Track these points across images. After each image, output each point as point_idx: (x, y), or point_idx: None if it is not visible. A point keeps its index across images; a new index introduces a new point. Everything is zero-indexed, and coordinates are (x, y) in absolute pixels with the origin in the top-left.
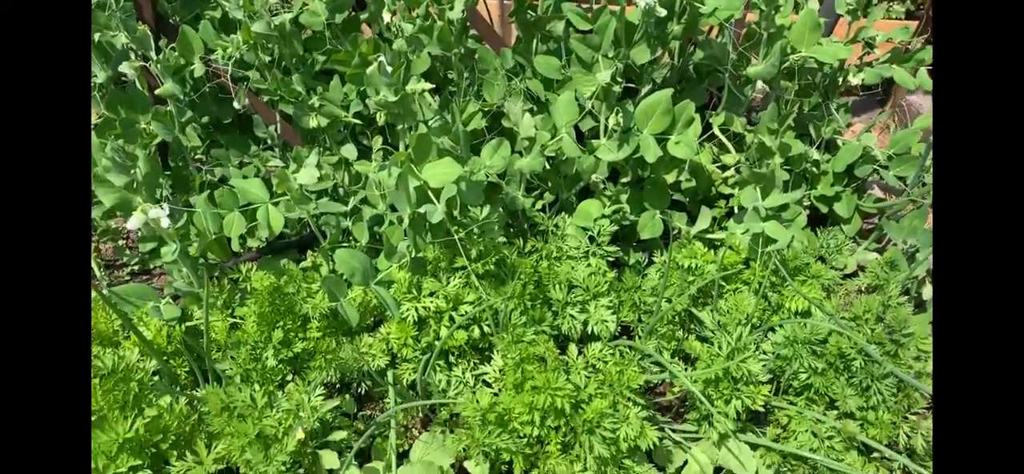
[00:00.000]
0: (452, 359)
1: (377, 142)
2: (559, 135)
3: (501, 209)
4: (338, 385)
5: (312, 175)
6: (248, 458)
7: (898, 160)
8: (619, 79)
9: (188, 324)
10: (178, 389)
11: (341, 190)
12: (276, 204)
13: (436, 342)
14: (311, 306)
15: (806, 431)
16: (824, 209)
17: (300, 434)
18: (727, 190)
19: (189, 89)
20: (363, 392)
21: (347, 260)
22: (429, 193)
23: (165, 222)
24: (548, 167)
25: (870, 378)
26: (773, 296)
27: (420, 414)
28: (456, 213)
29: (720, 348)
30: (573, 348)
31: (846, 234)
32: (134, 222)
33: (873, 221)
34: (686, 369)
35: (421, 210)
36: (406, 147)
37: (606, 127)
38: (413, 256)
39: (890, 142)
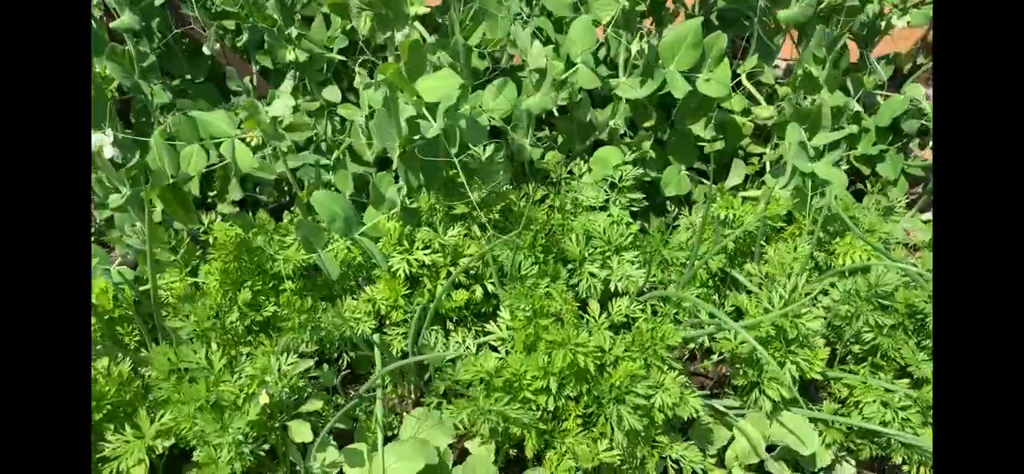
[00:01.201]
0: (450, 326)
1: (363, 77)
2: (574, 67)
3: (506, 157)
4: (316, 359)
5: (286, 105)
6: (200, 428)
7: None
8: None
9: (143, 289)
10: (122, 356)
11: (323, 143)
12: (245, 142)
13: (431, 304)
14: (284, 259)
15: (874, 401)
16: (866, 170)
17: (264, 398)
18: (758, 149)
19: (157, 43)
20: (346, 367)
21: (327, 204)
22: (425, 116)
23: (108, 151)
24: (558, 114)
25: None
26: (820, 256)
27: (412, 393)
28: (455, 151)
29: (770, 303)
30: (594, 305)
31: (891, 199)
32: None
33: (917, 190)
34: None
35: (416, 138)
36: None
37: (627, 63)
38: (404, 201)
39: None
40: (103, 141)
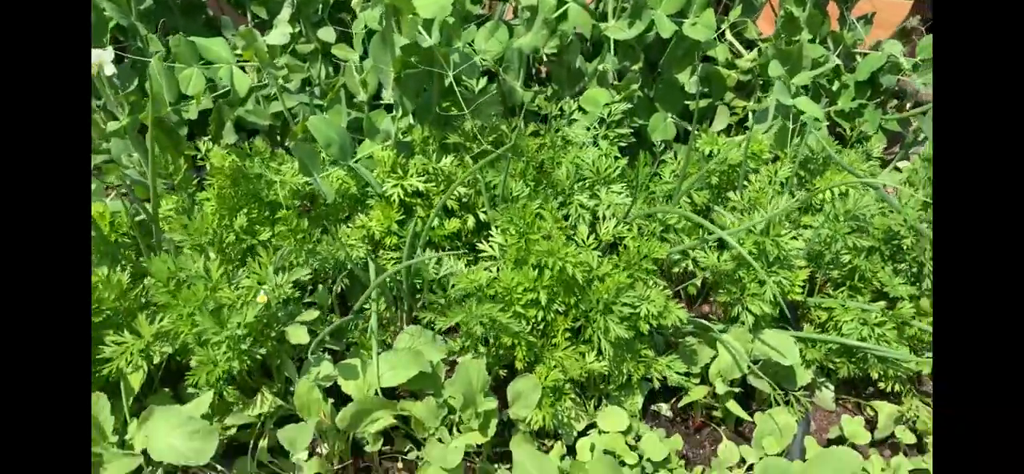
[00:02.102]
0: (443, 254)
1: (359, 24)
2: (565, 3)
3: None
4: (310, 286)
5: (284, 34)
6: (199, 329)
7: (927, 67)
8: None
9: (139, 219)
10: (121, 267)
11: (317, 88)
12: (242, 68)
13: (424, 228)
14: (280, 182)
15: (852, 320)
16: (846, 126)
17: (262, 298)
18: (742, 103)
19: None
20: (340, 293)
21: (323, 129)
22: (421, 33)
23: (109, 68)
24: (549, 60)
25: (921, 261)
26: (802, 195)
27: (405, 316)
28: (449, 77)
29: (753, 225)
30: (583, 228)
31: (869, 149)
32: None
33: (894, 150)
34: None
35: (410, 59)
36: None
37: (615, 9)
38: (399, 134)
39: (919, 48)
40: (103, 58)
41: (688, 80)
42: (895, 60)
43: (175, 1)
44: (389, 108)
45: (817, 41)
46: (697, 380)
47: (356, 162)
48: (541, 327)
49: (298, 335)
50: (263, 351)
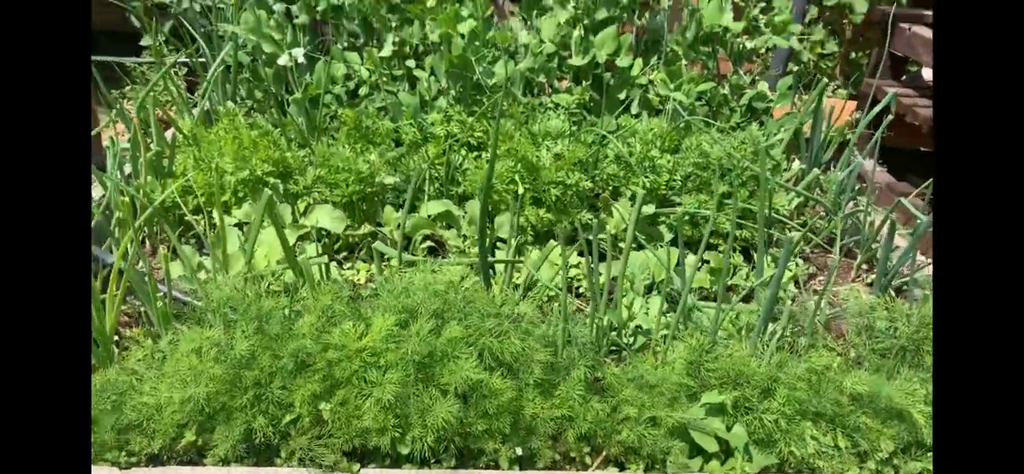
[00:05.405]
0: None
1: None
2: (544, 44)
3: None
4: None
5: (390, 48)
6: (344, 171)
7: (785, 97)
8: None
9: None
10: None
11: (406, 81)
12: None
13: (457, 151)
14: (381, 126)
15: (692, 203)
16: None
17: (374, 157)
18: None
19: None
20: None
21: (407, 99)
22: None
23: (300, 59)
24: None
25: (735, 176)
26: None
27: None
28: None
29: (644, 145)
30: (544, 153)
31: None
32: (284, 59)
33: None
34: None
35: (454, 60)
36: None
37: (575, 47)
38: (448, 107)
39: (779, 85)
40: (297, 54)
41: (621, 93)
42: (764, 92)
43: (321, 28)
44: (440, 93)
45: (707, 75)
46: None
47: (420, 119)
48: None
49: (387, 180)
50: (370, 190)
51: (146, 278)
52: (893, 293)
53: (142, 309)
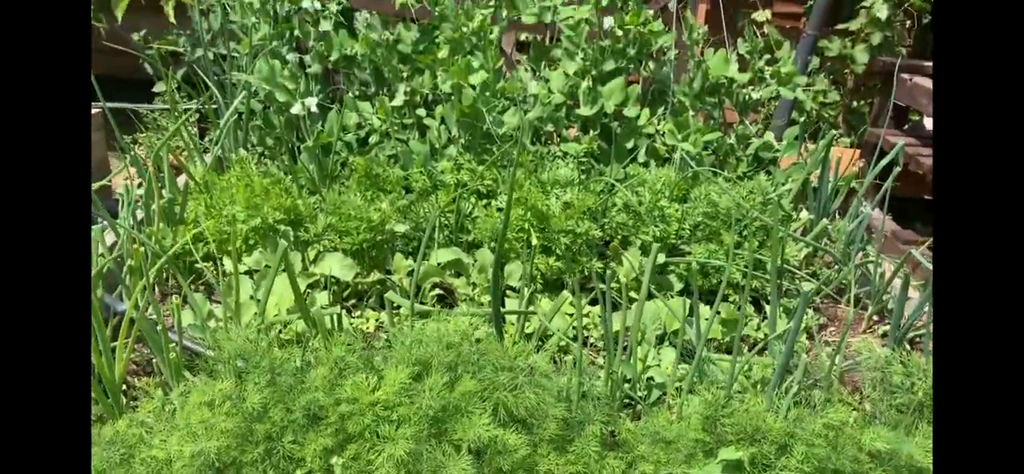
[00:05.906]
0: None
1: (442, 76)
2: (553, 95)
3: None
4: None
5: (402, 97)
6: (353, 221)
7: (791, 146)
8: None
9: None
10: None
11: (415, 129)
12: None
13: (467, 199)
14: (391, 174)
15: (705, 254)
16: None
17: (385, 205)
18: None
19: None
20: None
21: (417, 147)
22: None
23: (313, 108)
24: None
25: (745, 226)
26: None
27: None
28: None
29: (653, 194)
30: (553, 201)
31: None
32: (297, 108)
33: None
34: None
35: (465, 110)
36: (457, 100)
37: (584, 97)
38: (458, 157)
39: (785, 135)
40: (310, 102)
41: (628, 142)
42: (770, 142)
43: (333, 77)
44: (450, 141)
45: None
46: (614, 284)
47: (430, 168)
48: (527, 244)
49: (398, 228)
50: (380, 238)
51: (157, 327)
52: (908, 346)
53: (152, 358)
